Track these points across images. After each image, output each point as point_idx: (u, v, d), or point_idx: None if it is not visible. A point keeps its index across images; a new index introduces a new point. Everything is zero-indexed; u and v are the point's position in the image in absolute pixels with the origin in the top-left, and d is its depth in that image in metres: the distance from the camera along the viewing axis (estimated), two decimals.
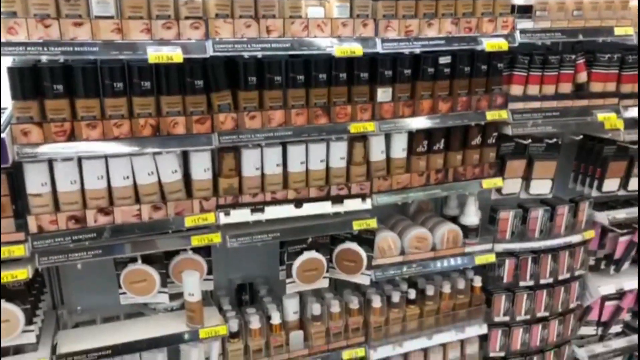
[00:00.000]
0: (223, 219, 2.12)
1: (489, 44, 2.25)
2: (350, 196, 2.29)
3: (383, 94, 2.25)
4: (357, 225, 2.31)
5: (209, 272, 2.32)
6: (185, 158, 2.10)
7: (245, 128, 2.06)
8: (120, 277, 2.16)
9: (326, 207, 2.26)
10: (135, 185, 2.02)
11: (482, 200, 2.66)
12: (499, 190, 2.60)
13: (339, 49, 2.05)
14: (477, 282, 2.67)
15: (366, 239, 2.39)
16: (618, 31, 2.47)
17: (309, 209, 2.23)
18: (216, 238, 2.13)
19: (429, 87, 2.32)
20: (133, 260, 2.16)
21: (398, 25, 2.17)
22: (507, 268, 2.69)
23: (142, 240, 2.07)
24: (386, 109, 2.26)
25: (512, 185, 2.60)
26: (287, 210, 2.21)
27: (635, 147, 2.73)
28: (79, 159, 1.92)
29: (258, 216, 2.16)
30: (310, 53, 2.08)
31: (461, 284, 2.65)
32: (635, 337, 3.17)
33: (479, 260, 2.57)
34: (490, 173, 2.53)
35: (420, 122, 2.31)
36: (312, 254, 2.32)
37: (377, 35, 2.15)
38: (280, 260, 2.42)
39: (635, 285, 2.96)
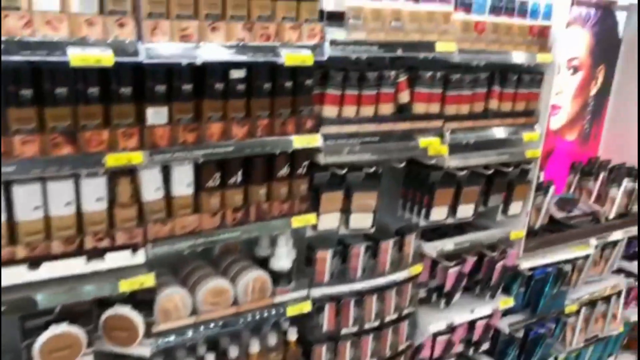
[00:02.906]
0: None
1: (289, 57, 1.83)
2: (114, 248, 1.75)
3: (155, 115, 1.74)
4: (125, 286, 1.77)
5: None
6: None
7: None
8: None
9: (78, 266, 1.70)
10: None
11: (299, 238, 2.27)
12: (315, 226, 2.22)
13: (78, 56, 1.49)
14: (292, 334, 2.27)
15: (143, 300, 1.86)
16: (440, 47, 2.20)
17: (50, 269, 1.65)
18: None
19: (218, 107, 1.84)
20: None
21: (170, 28, 1.67)
22: (327, 314, 2.32)
23: None
24: (160, 134, 1.74)
25: (329, 221, 2.23)
26: (17, 275, 1.61)
27: (463, 173, 2.52)
28: None
29: None
30: (42, 59, 1.50)
31: (272, 340, 2.23)
32: None
33: (292, 311, 2.17)
34: (301, 208, 2.12)
35: (208, 151, 1.83)
36: (62, 328, 1.73)
37: (140, 40, 1.63)
38: (21, 339, 1.80)
39: (466, 319, 2.78)
